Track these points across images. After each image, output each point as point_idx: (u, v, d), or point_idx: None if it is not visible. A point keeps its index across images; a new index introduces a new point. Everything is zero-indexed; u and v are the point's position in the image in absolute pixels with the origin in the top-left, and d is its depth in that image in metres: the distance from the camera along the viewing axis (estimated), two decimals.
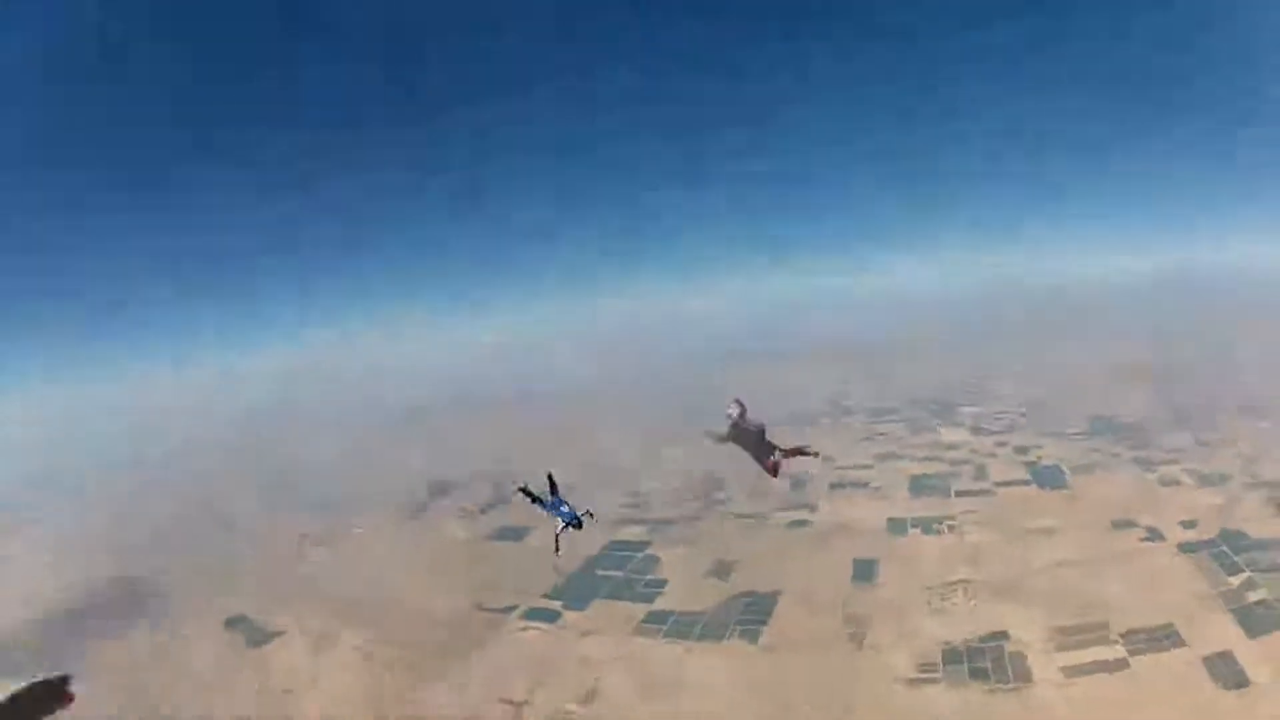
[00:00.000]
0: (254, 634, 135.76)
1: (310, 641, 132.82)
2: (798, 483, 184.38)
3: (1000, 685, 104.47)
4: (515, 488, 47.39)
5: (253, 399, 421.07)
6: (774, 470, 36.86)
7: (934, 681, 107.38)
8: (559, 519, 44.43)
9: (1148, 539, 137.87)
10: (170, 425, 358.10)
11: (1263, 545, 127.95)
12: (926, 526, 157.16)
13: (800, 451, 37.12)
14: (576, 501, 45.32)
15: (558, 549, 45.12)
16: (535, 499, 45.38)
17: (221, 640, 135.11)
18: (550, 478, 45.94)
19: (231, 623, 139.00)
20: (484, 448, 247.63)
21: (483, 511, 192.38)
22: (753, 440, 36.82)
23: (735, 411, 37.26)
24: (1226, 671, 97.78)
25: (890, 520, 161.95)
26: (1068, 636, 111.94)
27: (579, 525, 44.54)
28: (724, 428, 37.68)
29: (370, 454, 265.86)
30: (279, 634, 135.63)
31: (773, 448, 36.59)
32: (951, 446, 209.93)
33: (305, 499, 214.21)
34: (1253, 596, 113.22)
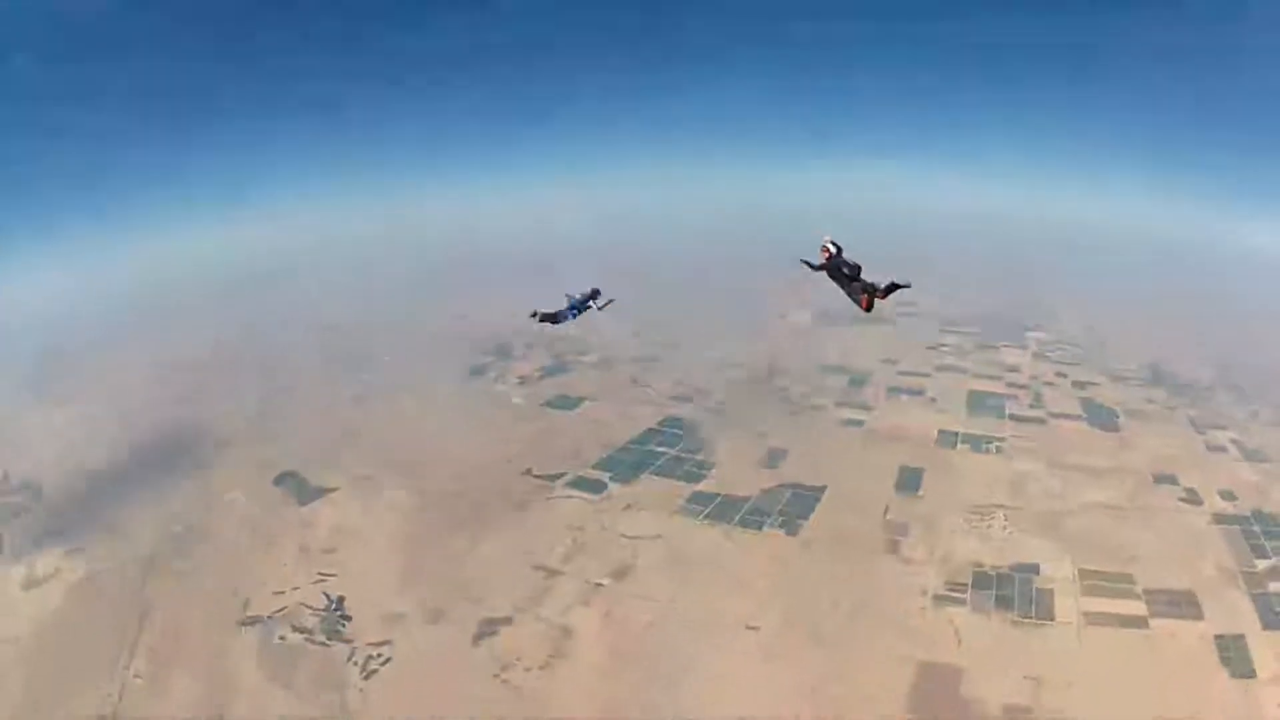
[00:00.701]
0: (303, 491, 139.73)
1: (358, 499, 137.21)
2: (857, 380, 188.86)
3: (1024, 618, 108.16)
4: (530, 315, 49.93)
5: (322, 256, 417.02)
6: (868, 305, 36.97)
7: (960, 602, 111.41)
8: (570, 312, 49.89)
9: (1186, 500, 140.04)
10: (234, 281, 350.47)
11: None
12: (976, 444, 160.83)
13: (894, 286, 36.79)
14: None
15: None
16: (550, 317, 49.63)
17: (272, 497, 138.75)
18: (595, 292, 51.76)
19: (281, 479, 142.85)
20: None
21: (540, 377, 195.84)
22: (846, 275, 37.36)
23: (831, 248, 37.99)
24: (1236, 657, 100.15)
25: (941, 432, 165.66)
26: (1095, 582, 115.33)
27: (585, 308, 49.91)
28: (823, 255, 38.34)
29: (435, 311, 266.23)
30: (329, 490, 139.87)
31: (869, 285, 36.84)
32: (1012, 369, 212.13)
33: (365, 356, 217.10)
34: (1275, 586, 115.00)
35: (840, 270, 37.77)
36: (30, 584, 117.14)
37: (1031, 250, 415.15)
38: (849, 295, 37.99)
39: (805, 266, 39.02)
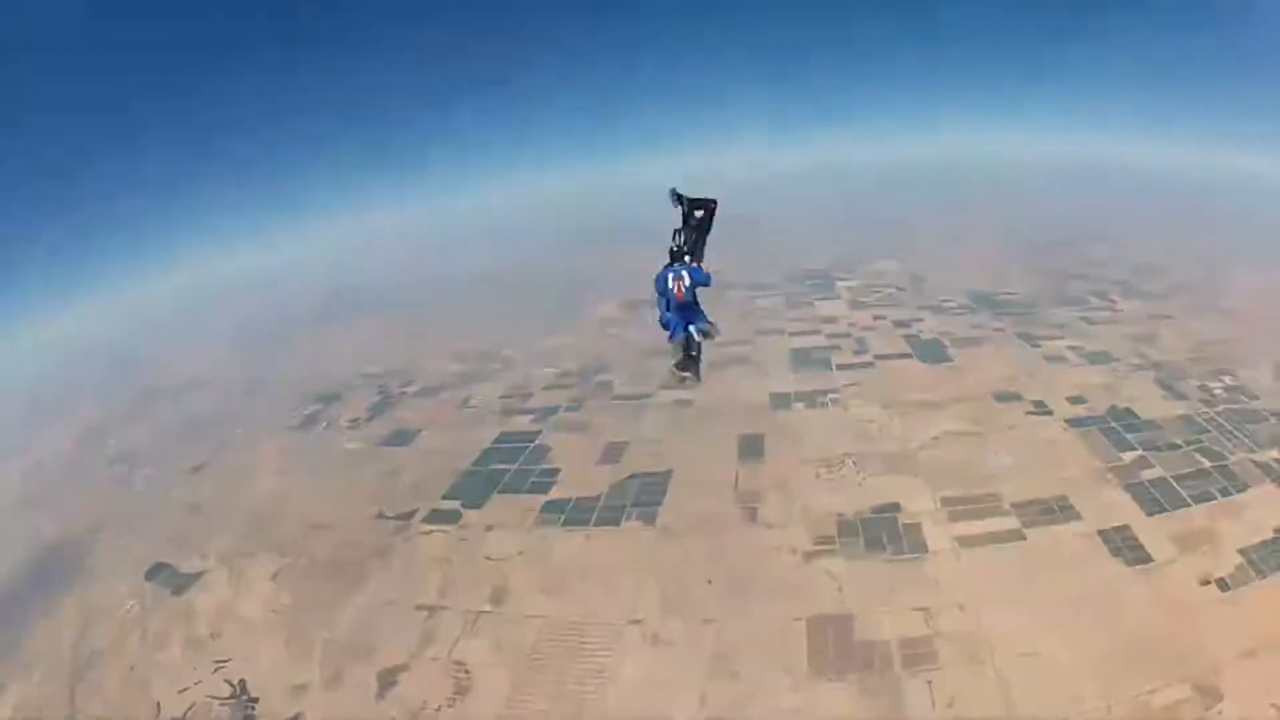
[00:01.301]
0: (175, 580, 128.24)
1: (227, 578, 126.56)
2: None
3: (897, 555, 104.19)
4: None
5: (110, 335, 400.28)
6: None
7: (831, 553, 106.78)
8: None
9: (1034, 413, 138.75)
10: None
11: (1154, 425, 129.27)
12: (810, 401, 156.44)
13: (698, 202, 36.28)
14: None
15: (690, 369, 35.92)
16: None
17: (146, 594, 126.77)
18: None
19: (151, 573, 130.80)
20: (359, 351, 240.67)
21: (370, 417, 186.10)
22: (703, 226, 35.78)
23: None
24: (1126, 546, 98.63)
25: (773, 395, 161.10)
26: (960, 507, 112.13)
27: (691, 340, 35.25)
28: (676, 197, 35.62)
29: (246, 369, 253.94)
30: (199, 574, 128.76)
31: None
32: (829, 320, 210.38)
33: (188, 423, 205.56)
34: (1147, 474, 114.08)
35: (694, 218, 35.84)
36: None
37: (839, 199, 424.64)
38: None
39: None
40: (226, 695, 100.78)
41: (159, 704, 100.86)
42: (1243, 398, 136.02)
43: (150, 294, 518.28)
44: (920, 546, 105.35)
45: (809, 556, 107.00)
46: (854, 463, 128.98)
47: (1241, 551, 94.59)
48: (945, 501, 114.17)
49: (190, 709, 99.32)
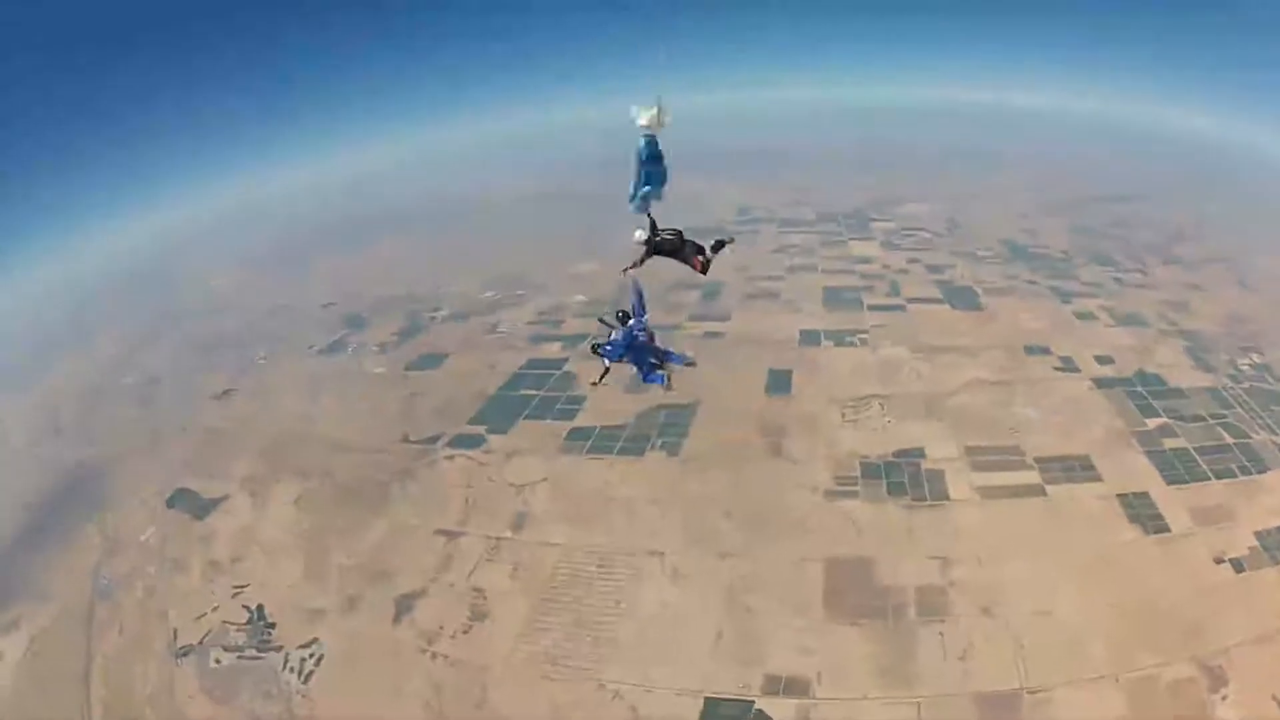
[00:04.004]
0: (197, 505, 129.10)
1: (250, 502, 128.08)
2: (710, 292, 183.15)
3: (918, 501, 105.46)
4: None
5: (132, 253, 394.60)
6: (703, 268, 34.93)
7: (852, 495, 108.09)
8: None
9: (1062, 368, 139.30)
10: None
11: (1180, 393, 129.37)
12: (839, 339, 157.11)
13: (720, 244, 35.36)
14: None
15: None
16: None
17: (166, 520, 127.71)
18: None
19: (173, 500, 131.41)
20: (387, 274, 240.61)
21: (398, 342, 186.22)
22: (673, 246, 34.62)
23: (642, 235, 34.53)
24: (1144, 514, 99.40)
25: (803, 331, 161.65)
26: (983, 457, 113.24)
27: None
28: (640, 248, 34.74)
29: (272, 292, 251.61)
30: (221, 499, 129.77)
31: (698, 247, 34.76)
32: (863, 260, 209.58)
33: (212, 348, 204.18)
34: (1170, 444, 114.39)
35: (663, 247, 34.96)
36: None
37: (875, 138, 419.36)
38: (683, 262, 35.54)
39: (633, 268, 36.28)
40: (243, 621, 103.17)
41: (175, 630, 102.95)
42: (1269, 378, 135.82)
43: (172, 218, 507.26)
44: (942, 494, 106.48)
45: (830, 495, 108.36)
46: (880, 404, 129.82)
47: (1258, 534, 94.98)
48: (969, 450, 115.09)
49: (207, 635, 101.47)
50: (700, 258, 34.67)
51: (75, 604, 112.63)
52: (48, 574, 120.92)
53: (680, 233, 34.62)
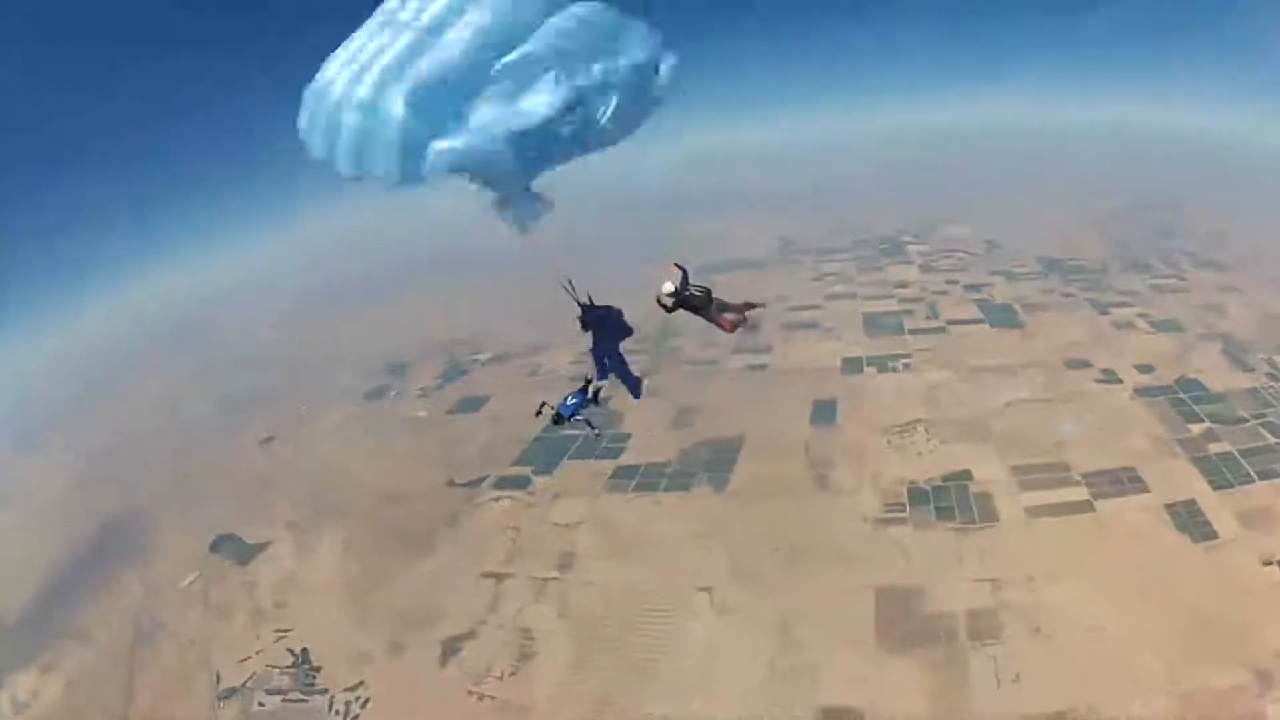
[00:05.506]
0: (241, 551, 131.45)
1: (295, 547, 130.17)
2: (750, 326, 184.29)
3: (967, 525, 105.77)
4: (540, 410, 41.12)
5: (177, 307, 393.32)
6: (732, 328, 34.96)
7: (901, 521, 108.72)
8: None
9: (1103, 380, 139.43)
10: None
11: (1221, 398, 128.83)
12: (882, 365, 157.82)
13: (749, 305, 35.23)
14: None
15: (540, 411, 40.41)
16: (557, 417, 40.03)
17: (210, 565, 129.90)
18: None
19: (216, 546, 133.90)
20: (427, 319, 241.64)
21: (440, 385, 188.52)
22: (700, 304, 34.39)
23: (675, 282, 34.40)
24: (1191, 522, 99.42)
25: (845, 360, 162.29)
26: (1030, 476, 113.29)
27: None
28: (668, 300, 34.58)
29: (317, 339, 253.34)
30: (265, 545, 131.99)
31: (724, 306, 34.56)
32: (901, 284, 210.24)
33: (259, 396, 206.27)
34: (1214, 449, 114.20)
35: (690, 302, 34.64)
36: (16, 709, 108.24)
37: (908, 163, 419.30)
38: (709, 320, 35.29)
39: (662, 308, 35.25)
40: (288, 664, 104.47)
41: (217, 673, 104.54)
42: None
43: (212, 269, 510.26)
44: (991, 515, 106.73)
45: (879, 524, 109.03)
46: (926, 429, 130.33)
47: None
48: (1016, 470, 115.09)
49: (250, 678, 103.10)
50: (728, 316, 34.70)
51: (114, 646, 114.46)
52: (87, 618, 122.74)
53: (709, 290, 34.53)
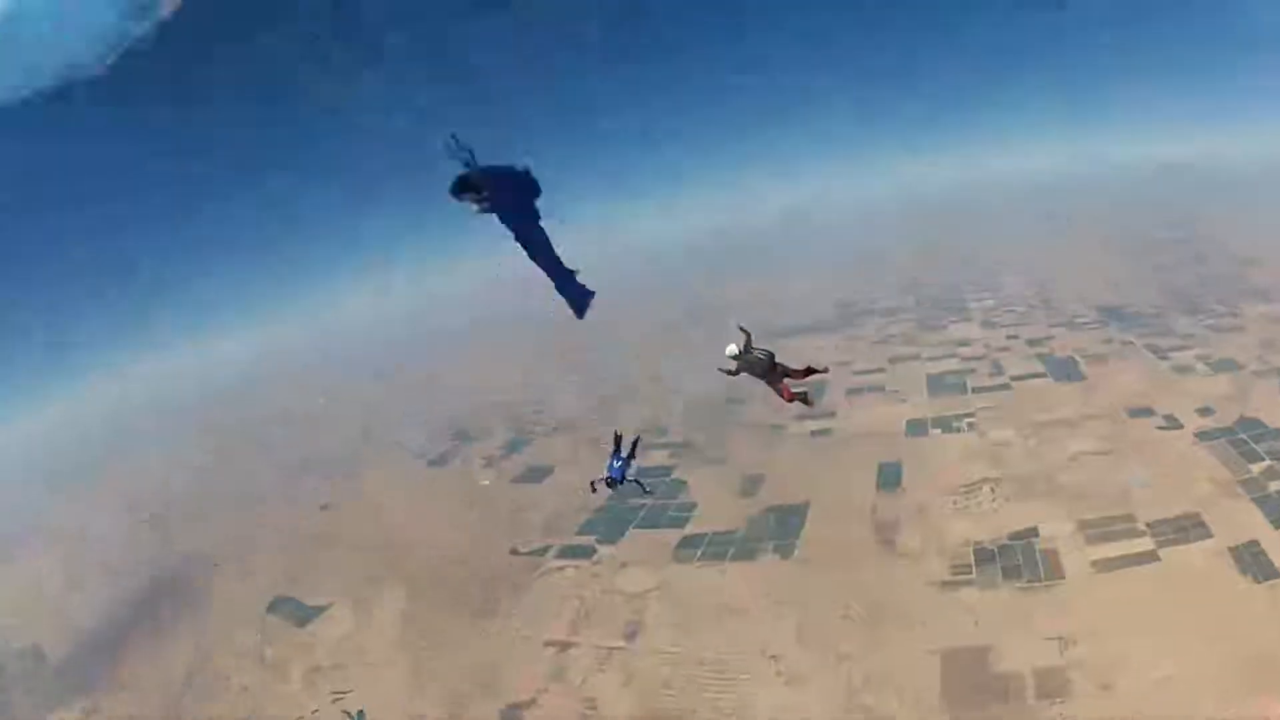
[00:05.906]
0: (299, 613, 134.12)
1: (354, 611, 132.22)
2: (814, 390, 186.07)
3: (1033, 583, 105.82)
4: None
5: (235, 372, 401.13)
6: (791, 398, 35.92)
7: (968, 583, 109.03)
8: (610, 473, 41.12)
9: (1165, 427, 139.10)
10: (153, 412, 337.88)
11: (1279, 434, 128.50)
12: (946, 425, 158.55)
13: (811, 370, 35.84)
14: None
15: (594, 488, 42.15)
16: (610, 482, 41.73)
17: (266, 626, 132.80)
18: (617, 437, 43.00)
19: (274, 606, 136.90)
20: (494, 384, 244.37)
21: (504, 455, 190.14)
22: (763, 369, 35.04)
23: (740, 344, 35.12)
24: (1253, 563, 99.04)
25: (910, 422, 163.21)
26: (1096, 529, 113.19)
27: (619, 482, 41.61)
28: (731, 363, 35.34)
29: (380, 405, 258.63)
30: (324, 608, 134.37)
31: (787, 371, 35.26)
32: (963, 343, 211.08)
33: (321, 459, 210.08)
34: (1274, 486, 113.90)
35: (754, 368, 35.39)
36: None
37: (949, 229, 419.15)
38: (769, 386, 36.12)
39: (724, 372, 36.14)
40: None
41: None
42: None
43: (271, 332, 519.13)
44: (1057, 572, 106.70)
45: (946, 587, 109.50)
46: (991, 488, 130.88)
47: None
48: (1082, 525, 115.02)
49: None
50: (788, 385, 35.68)
51: (160, 698, 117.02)
52: (134, 668, 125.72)
53: (772, 355, 35.39)
